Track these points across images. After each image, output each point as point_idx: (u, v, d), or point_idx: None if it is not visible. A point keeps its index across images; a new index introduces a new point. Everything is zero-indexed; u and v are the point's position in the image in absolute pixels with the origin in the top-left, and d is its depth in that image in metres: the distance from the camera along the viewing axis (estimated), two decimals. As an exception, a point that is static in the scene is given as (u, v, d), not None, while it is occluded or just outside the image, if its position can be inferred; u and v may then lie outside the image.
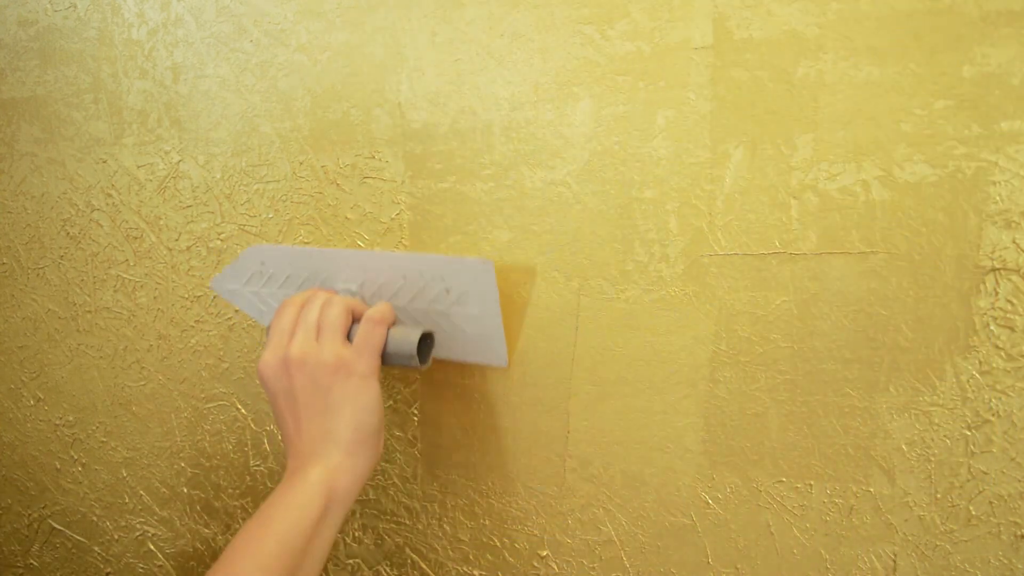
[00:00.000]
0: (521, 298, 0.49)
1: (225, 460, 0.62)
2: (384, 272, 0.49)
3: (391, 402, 0.55)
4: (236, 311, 0.60)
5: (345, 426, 0.43)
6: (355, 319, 0.47)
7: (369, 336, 0.45)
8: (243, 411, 0.61)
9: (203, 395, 0.62)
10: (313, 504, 0.41)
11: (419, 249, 0.52)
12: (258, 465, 0.61)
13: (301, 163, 0.55)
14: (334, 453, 0.43)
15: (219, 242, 0.59)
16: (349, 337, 0.46)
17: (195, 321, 0.61)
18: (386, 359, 0.46)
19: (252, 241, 0.58)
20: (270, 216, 0.57)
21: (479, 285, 0.47)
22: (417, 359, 0.46)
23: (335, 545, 0.59)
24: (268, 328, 0.47)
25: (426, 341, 0.48)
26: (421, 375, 0.54)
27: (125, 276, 0.63)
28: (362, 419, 0.43)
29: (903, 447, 0.41)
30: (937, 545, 0.41)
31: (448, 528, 0.54)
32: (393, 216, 0.52)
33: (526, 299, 0.49)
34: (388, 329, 0.46)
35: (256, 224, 0.57)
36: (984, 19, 0.37)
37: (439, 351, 0.50)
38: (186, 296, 0.61)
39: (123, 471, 0.67)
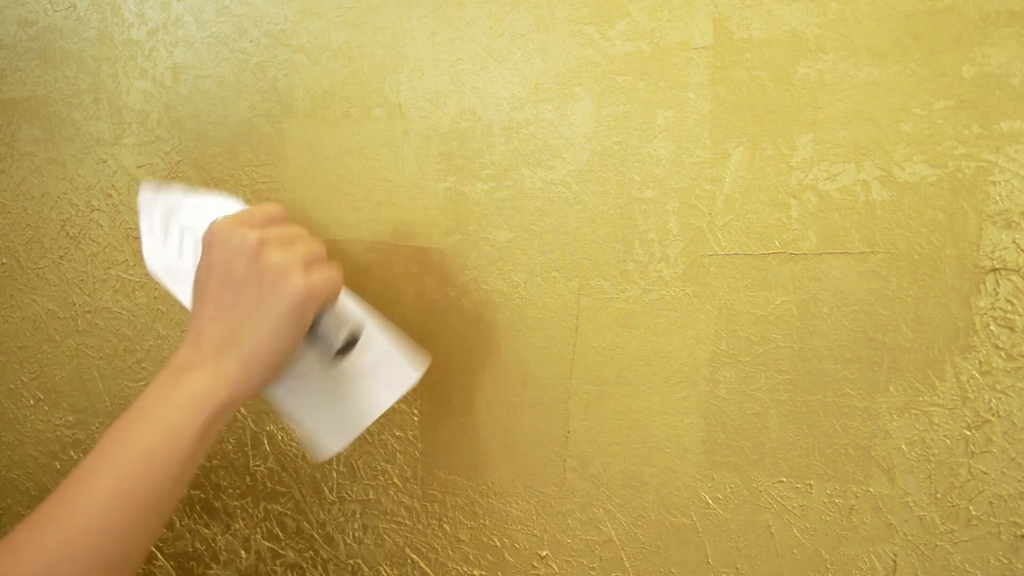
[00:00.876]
0: (521, 298, 0.49)
1: (225, 460, 0.62)
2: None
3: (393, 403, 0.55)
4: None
5: (259, 340, 0.39)
6: None
7: (332, 276, 0.42)
8: (243, 411, 0.61)
9: (203, 395, 0.62)
10: (196, 418, 0.38)
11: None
12: (258, 465, 0.61)
13: (301, 163, 0.55)
14: (232, 363, 0.39)
15: (219, 242, 0.59)
16: None
17: (195, 321, 0.61)
18: (317, 326, 0.42)
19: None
20: (270, 216, 0.57)
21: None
22: (340, 342, 0.42)
23: (335, 545, 0.59)
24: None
25: (352, 341, 0.44)
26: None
27: (125, 276, 0.63)
28: (279, 341, 0.39)
29: (903, 447, 0.41)
30: (937, 545, 0.41)
31: (448, 528, 0.54)
32: (393, 216, 0.52)
33: (526, 299, 0.49)
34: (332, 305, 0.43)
35: (256, 224, 0.57)
36: (984, 19, 0.37)
37: (370, 339, 0.47)
38: (186, 296, 0.61)
39: (123, 471, 0.67)
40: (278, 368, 0.41)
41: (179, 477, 0.37)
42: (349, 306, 0.47)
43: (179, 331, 0.62)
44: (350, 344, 0.44)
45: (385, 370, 0.47)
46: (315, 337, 0.43)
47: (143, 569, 0.68)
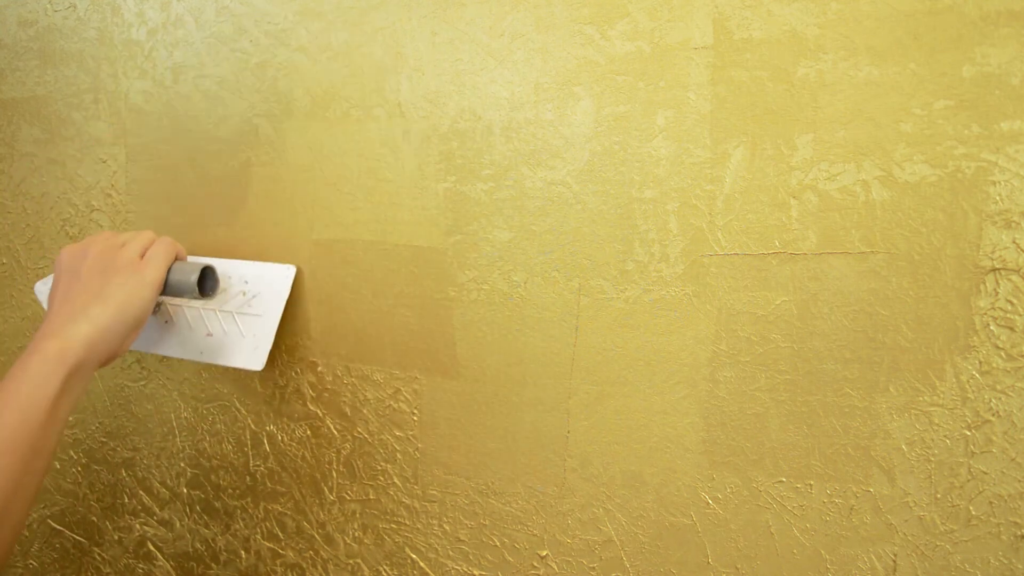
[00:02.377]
0: (521, 298, 0.49)
1: (225, 460, 0.62)
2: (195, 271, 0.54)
3: (392, 403, 0.55)
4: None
5: (106, 309, 0.47)
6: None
7: (159, 251, 0.51)
8: (243, 411, 0.61)
9: (203, 395, 0.62)
10: (51, 375, 0.44)
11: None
12: (258, 465, 0.61)
13: (301, 163, 0.55)
14: (83, 326, 0.46)
15: (219, 242, 0.59)
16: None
17: (195, 321, 0.61)
18: (170, 287, 0.51)
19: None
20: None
21: (274, 288, 0.53)
22: (198, 290, 0.51)
23: (335, 545, 0.59)
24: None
25: (208, 275, 0.54)
26: (421, 374, 0.54)
27: (125, 276, 0.63)
28: (126, 311, 0.48)
29: (903, 447, 0.41)
30: (937, 545, 0.41)
31: (448, 528, 0.54)
32: (393, 215, 0.52)
33: (526, 299, 0.49)
34: (175, 260, 0.53)
35: (256, 224, 0.57)
36: (984, 19, 0.37)
37: (209, 355, 0.55)
38: (186, 296, 0.61)
39: (123, 471, 0.67)
40: (129, 333, 0.49)
41: (46, 430, 0.43)
42: (195, 260, 0.55)
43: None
44: (210, 283, 0.54)
45: (259, 284, 0.54)
46: (175, 289, 0.52)
47: (143, 569, 0.68)
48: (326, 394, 0.57)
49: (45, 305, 0.58)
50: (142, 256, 0.51)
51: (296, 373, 0.58)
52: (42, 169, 0.65)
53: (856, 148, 0.40)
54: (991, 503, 0.40)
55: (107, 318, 0.47)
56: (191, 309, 0.56)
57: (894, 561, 0.42)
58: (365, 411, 0.56)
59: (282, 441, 0.59)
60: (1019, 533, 0.40)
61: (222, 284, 0.55)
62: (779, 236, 0.42)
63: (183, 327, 0.57)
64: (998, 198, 0.38)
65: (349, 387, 0.56)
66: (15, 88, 0.65)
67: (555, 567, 0.51)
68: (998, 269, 0.38)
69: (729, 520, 0.46)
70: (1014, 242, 0.38)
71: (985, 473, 0.40)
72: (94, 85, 0.62)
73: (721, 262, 0.44)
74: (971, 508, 0.40)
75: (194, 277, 0.51)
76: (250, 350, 0.54)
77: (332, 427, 0.57)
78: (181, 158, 0.59)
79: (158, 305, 0.58)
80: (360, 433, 0.56)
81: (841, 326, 0.42)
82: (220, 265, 0.56)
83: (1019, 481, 0.39)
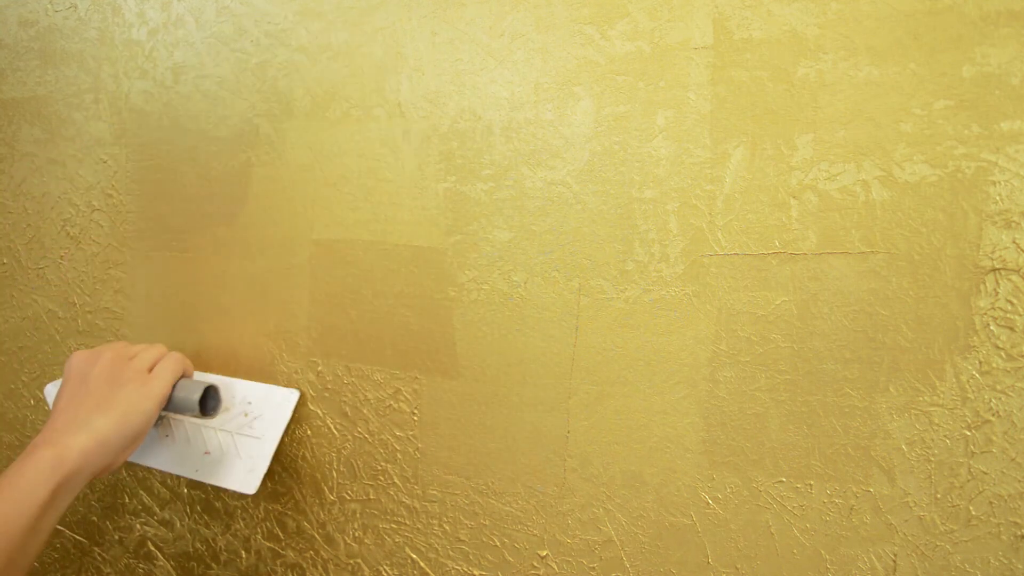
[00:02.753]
0: (521, 298, 0.49)
1: (225, 460, 0.62)
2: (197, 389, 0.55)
3: (392, 403, 0.55)
4: (236, 311, 0.60)
5: (108, 420, 0.48)
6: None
7: (167, 367, 0.53)
8: (243, 411, 0.61)
9: (203, 395, 0.62)
10: (41, 486, 0.44)
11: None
12: (258, 465, 0.61)
13: (301, 163, 0.55)
14: (83, 436, 0.47)
15: (219, 242, 0.59)
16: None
17: (195, 321, 0.61)
18: (173, 403, 0.53)
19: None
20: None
21: (276, 413, 0.54)
22: (199, 408, 0.53)
23: (336, 545, 0.59)
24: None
25: (212, 394, 0.55)
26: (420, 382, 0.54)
27: (125, 276, 0.63)
28: (128, 422, 0.49)
29: (903, 447, 0.41)
30: (937, 545, 0.41)
31: (448, 528, 0.54)
32: (393, 215, 0.52)
33: (526, 299, 0.49)
34: (180, 376, 0.54)
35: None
36: (984, 19, 0.37)
37: (204, 475, 0.55)
38: (186, 296, 0.61)
39: (123, 471, 0.67)
40: (128, 446, 0.50)
41: (27, 537, 0.43)
42: (201, 376, 0.57)
43: (180, 332, 0.62)
44: (213, 402, 0.55)
45: (261, 406, 0.55)
46: (178, 405, 0.53)
47: (143, 569, 0.68)
48: (326, 394, 0.57)
49: (50, 407, 0.59)
50: (151, 369, 0.53)
51: (296, 373, 0.58)
52: (42, 169, 0.65)
53: (856, 148, 0.40)
54: (991, 503, 0.40)
55: (108, 429, 0.48)
56: (192, 425, 0.57)
57: (894, 561, 0.42)
58: (365, 411, 0.56)
59: (282, 441, 0.59)
60: (1019, 533, 0.40)
61: (225, 403, 0.56)
62: (779, 236, 0.42)
63: (182, 442, 0.57)
64: (998, 198, 0.38)
65: (349, 387, 0.56)
66: (15, 88, 0.65)
67: (555, 567, 0.51)
68: (998, 269, 0.38)
69: (729, 520, 0.46)
70: (1014, 242, 0.38)
71: (985, 473, 0.40)
72: (95, 85, 0.62)
73: (721, 262, 0.44)
74: (971, 508, 0.40)
75: (197, 395, 0.52)
76: (244, 472, 0.54)
77: (332, 427, 0.57)
78: (181, 158, 0.59)
79: (160, 418, 0.58)
80: (360, 433, 0.56)
81: (841, 326, 0.42)
82: (225, 384, 0.57)
83: (1019, 481, 0.39)
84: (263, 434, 0.54)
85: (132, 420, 0.49)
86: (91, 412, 0.48)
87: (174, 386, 0.53)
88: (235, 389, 0.56)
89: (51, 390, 0.61)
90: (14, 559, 0.42)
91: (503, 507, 0.52)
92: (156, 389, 0.51)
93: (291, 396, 0.53)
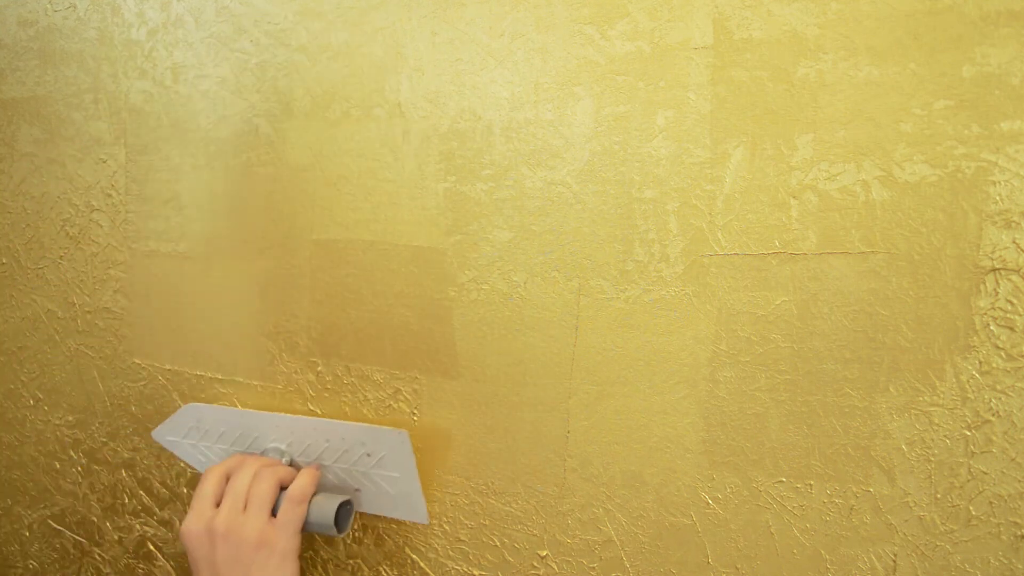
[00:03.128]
0: (521, 298, 0.49)
1: (225, 460, 0.62)
2: (311, 435, 0.53)
3: (392, 403, 0.55)
4: (236, 311, 0.60)
5: None
6: (283, 487, 0.50)
7: (292, 515, 0.48)
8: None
9: (203, 396, 0.62)
10: None
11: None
12: (258, 465, 0.61)
13: (301, 163, 0.55)
14: None
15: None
16: (274, 510, 0.49)
17: (195, 321, 0.61)
18: (306, 527, 0.50)
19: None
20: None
21: (397, 452, 0.51)
22: (335, 529, 0.50)
23: (335, 545, 0.59)
24: (194, 492, 0.50)
25: (343, 509, 0.52)
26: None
27: (125, 276, 0.63)
28: None
29: (903, 447, 0.41)
30: (937, 545, 0.41)
31: (448, 528, 0.54)
32: (393, 215, 0.52)
33: (526, 299, 0.49)
34: (310, 503, 0.50)
35: (256, 224, 0.57)
36: (984, 19, 0.37)
37: (367, 507, 0.54)
38: (186, 296, 0.61)
39: (123, 472, 0.67)
40: None
41: None
42: (331, 492, 0.53)
43: (180, 332, 0.62)
44: (345, 516, 0.52)
45: (378, 446, 0.52)
46: (313, 527, 0.50)
47: (143, 569, 0.68)
48: (326, 394, 0.57)
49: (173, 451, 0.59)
50: (273, 509, 0.49)
51: (296, 373, 0.58)
52: (42, 169, 0.65)
53: (856, 148, 0.40)
54: (991, 503, 0.40)
55: None
56: (329, 473, 0.54)
57: (894, 561, 0.42)
58: (365, 411, 0.56)
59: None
60: (1019, 533, 0.40)
61: (337, 445, 0.53)
62: (779, 236, 0.42)
63: (333, 489, 0.55)
64: (998, 198, 0.38)
65: (349, 387, 0.56)
66: (15, 88, 0.65)
67: (555, 567, 0.51)
68: (998, 269, 0.38)
69: (729, 520, 0.46)
70: (1014, 242, 0.38)
71: (985, 473, 0.40)
72: (94, 85, 0.62)
73: (721, 262, 0.44)
74: (971, 508, 0.40)
75: (332, 517, 0.50)
76: (404, 504, 0.53)
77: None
78: (181, 158, 0.59)
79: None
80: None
81: (841, 326, 0.42)
82: (329, 427, 0.53)
83: (1019, 481, 0.39)
84: (398, 471, 0.52)
85: None
86: None
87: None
88: (339, 431, 0.53)
89: (164, 434, 0.59)
90: None
91: (503, 507, 0.52)
92: (285, 546, 0.47)
93: (403, 436, 0.51)
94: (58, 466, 0.70)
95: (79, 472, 0.69)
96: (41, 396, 0.70)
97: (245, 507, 0.48)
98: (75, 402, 0.68)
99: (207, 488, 0.49)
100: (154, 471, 0.66)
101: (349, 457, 0.53)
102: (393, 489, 0.52)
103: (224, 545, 0.47)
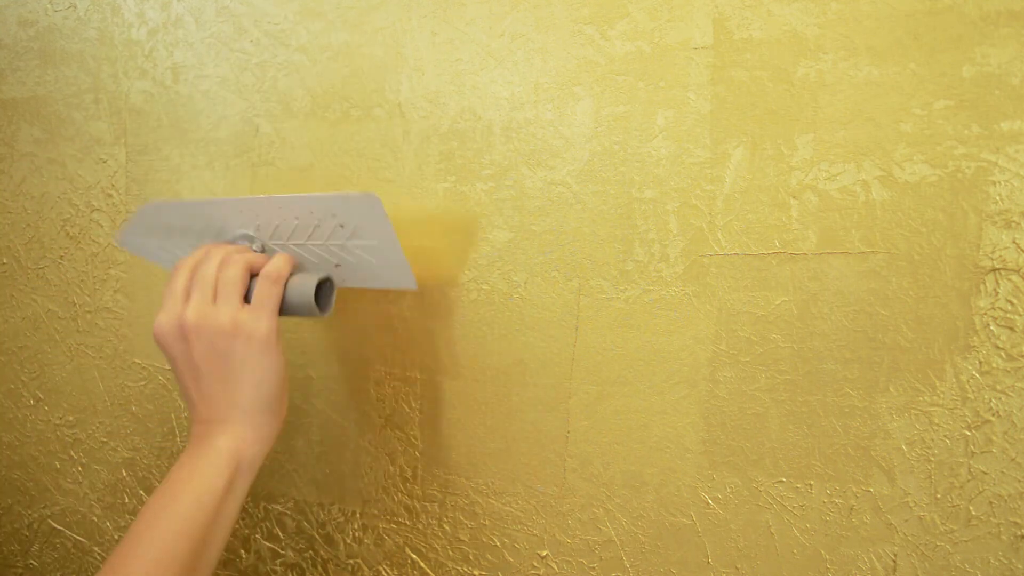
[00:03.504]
0: (521, 298, 0.49)
1: (225, 460, 0.62)
2: (277, 214, 0.49)
3: (392, 403, 0.55)
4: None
5: (247, 393, 0.42)
6: (253, 274, 0.45)
7: (266, 295, 0.44)
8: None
9: (203, 395, 0.62)
10: (220, 475, 0.41)
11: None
12: (258, 465, 0.61)
13: (301, 163, 0.55)
14: (238, 421, 0.42)
15: (219, 242, 0.59)
16: (247, 296, 0.45)
17: (195, 321, 0.61)
18: (285, 310, 0.45)
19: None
20: (270, 216, 0.57)
21: (370, 217, 0.46)
22: (317, 308, 0.45)
23: (335, 545, 0.59)
24: (164, 290, 0.46)
25: (324, 288, 0.48)
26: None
27: (125, 276, 0.63)
28: (264, 385, 0.43)
29: (903, 447, 0.41)
30: (937, 545, 0.41)
31: (448, 528, 0.54)
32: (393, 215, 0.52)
33: (526, 299, 0.49)
34: (286, 283, 0.45)
35: (256, 224, 0.57)
36: (984, 19, 0.37)
37: (350, 281, 0.50)
38: (186, 296, 0.61)
39: (123, 471, 0.67)
40: (280, 400, 0.44)
41: (211, 536, 0.40)
42: (308, 271, 0.49)
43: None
44: (327, 293, 0.48)
45: (350, 215, 0.47)
46: (293, 310, 0.46)
47: (143, 569, 0.68)
48: (325, 394, 0.57)
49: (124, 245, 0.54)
50: (246, 296, 0.44)
51: (296, 373, 0.58)
52: (42, 169, 0.65)
53: (856, 148, 0.40)
54: (991, 503, 0.40)
55: (252, 401, 0.43)
56: (305, 253, 0.49)
57: (894, 561, 0.42)
58: (365, 410, 0.56)
59: (282, 441, 0.59)
60: (1019, 533, 0.40)
61: (308, 219, 0.48)
62: (779, 236, 0.42)
63: (311, 268, 0.50)
64: (998, 198, 0.38)
65: (349, 387, 0.56)
66: (15, 88, 0.65)
67: (555, 567, 0.51)
68: (998, 269, 0.38)
69: (729, 520, 0.46)
70: (1014, 242, 0.38)
71: (985, 473, 0.40)
72: (94, 85, 0.62)
73: (721, 262, 0.44)
74: (971, 508, 0.40)
75: (311, 298, 0.45)
76: (388, 273, 0.48)
77: (332, 427, 0.57)
78: (181, 158, 0.59)
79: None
80: (360, 433, 0.56)
81: (841, 326, 0.42)
82: (297, 202, 0.48)
83: (1019, 481, 0.39)
84: (375, 238, 0.47)
85: (264, 386, 0.43)
86: (223, 391, 0.42)
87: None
88: (306, 204, 0.48)
89: (128, 237, 0.54)
90: (209, 539, 0.40)
91: (503, 507, 0.52)
92: (268, 336, 0.43)
93: (374, 199, 0.45)
94: (58, 466, 0.71)
95: (79, 472, 0.69)
96: (41, 396, 0.70)
97: (215, 297, 0.44)
98: (75, 402, 0.68)
99: (177, 283, 0.45)
100: (154, 471, 0.66)
101: (322, 232, 0.48)
102: (374, 258, 0.48)
103: (197, 338, 0.43)
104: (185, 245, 0.53)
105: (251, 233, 0.50)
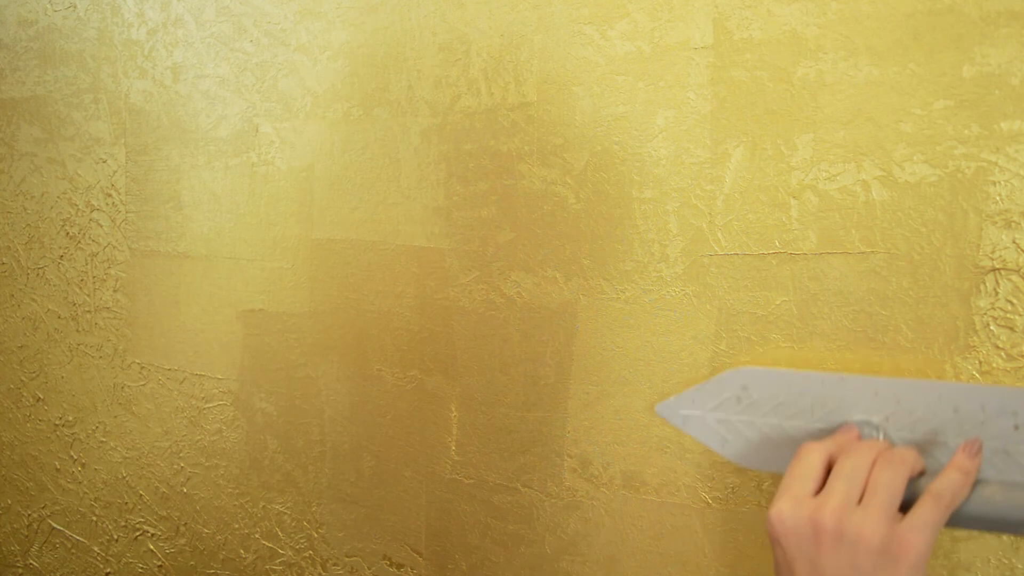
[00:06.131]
0: (521, 298, 0.49)
1: (225, 460, 0.62)
2: (924, 404, 0.40)
3: (393, 403, 0.55)
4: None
5: None
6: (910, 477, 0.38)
7: (930, 515, 0.35)
8: (239, 414, 0.61)
9: (203, 395, 0.62)
10: None
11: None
12: (258, 464, 0.61)
13: (301, 163, 0.55)
14: None
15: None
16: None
17: (195, 321, 0.61)
18: (963, 524, 0.37)
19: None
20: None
21: None
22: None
23: (335, 545, 0.59)
24: (788, 471, 0.39)
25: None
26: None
27: (125, 276, 0.63)
28: None
29: (903, 447, 0.41)
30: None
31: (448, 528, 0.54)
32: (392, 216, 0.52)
33: (526, 299, 0.49)
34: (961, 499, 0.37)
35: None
36: (984, 19, 0.37)
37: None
38: (186, 296, 0.61)
39: (123, 471, 0.67)
40: None
41: None
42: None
43: (180, 332, 0.62)
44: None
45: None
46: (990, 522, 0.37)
47: (143, 568, 0.68)
48: (326, 394, 0.57)
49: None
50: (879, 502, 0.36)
51: (295, 373, 0.58)
52: (42, 169, 0.65)
53: (856, 148, 0.40)
54: (991, 503, 0.40)
55: None
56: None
57: (894, 561, 0.42)
58: (366, 411, 0.56)
59: (282, 439, 0.59)
60: (1019, 533, 0.40)
61: (980, 416, 0.39)
62: (779, 236, 0.42)
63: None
64: (998, 198, 0.38)
65: (349, 387, 0.56)
66: (15, 88, 0.65)
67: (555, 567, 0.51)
68: (998, 269, 0.38)
69: (729, 520, 0.46)
70: (1014, 242, 0.38)
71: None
72: (94, 85, 0.62)
73: (721, 262, 0.44)
74: (971, 508, 0.40)
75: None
76: None
77: (333, 427, 0.57)
78: (181, 158, 0.59)
79: None
80: (360, 433, 0.56)
81: (841, 326, 0.42)
82: (963, 392, 0.40)
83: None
84: None
85: None
86: None
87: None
88: (975, 396, 0.40)
89: (678, 408, 0.47)
90: None
91: (503, 507, 0.52)
92: (918, 563, 0.34)
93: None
94: (58, 465, 0.71)
95: (79, 472, 0.69)
96: (41, 395, 0.70)
97: (861, 499, 0.37)
98: (75, 402, 0.68)
99: (807, 469, 0.38)
100: (154, 470, 0.66)
101: (984, 431, 0.39)
102: None
103: (834, 545, 0.36)
104: (762, 424, 0.45)
105: (875, 421, 0.42)
